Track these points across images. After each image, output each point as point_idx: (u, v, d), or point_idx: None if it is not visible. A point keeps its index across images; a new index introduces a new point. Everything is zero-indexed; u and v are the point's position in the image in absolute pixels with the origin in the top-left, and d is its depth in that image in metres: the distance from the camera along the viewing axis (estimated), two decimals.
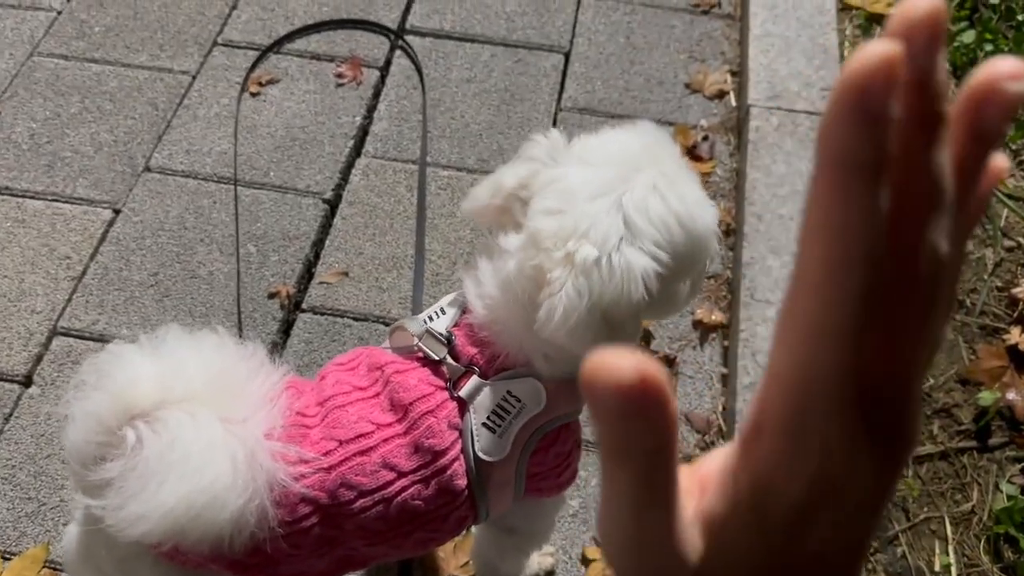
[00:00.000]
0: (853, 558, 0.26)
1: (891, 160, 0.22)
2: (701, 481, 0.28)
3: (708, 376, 1.76)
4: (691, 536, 0.26)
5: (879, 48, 0.21)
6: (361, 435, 0.94)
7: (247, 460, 0.83)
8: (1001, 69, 0.24)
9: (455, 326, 1.00)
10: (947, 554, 1.55)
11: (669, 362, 1.75)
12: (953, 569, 1.53)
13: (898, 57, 0.21)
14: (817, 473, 0.24)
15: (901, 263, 0.24)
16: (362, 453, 0.94)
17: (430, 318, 1.02)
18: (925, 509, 1.60)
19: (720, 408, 1.72)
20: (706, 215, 0.93)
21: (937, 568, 1.53)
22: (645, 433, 0.23)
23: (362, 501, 0.93)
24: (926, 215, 0.24)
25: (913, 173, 0.23)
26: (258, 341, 0.92)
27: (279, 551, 0.90)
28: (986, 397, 1.69)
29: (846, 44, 2.30)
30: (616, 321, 0.89)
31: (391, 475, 0.95)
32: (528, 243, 0.90)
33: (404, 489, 0.95)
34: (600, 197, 0.89)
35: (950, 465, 1.66)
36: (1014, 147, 2.12)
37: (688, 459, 1.65)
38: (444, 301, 1.04)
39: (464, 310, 1.00)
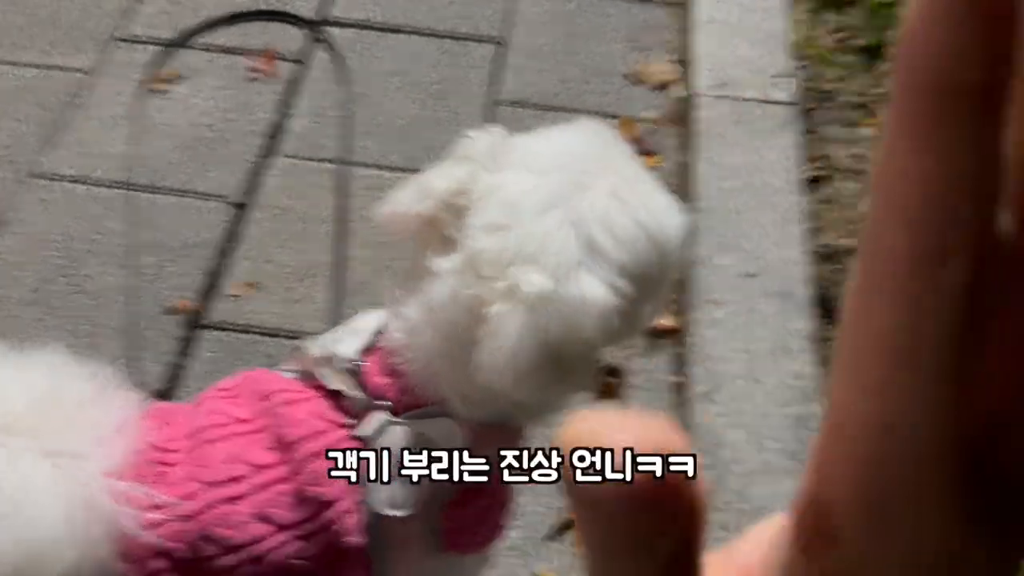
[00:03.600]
0: None
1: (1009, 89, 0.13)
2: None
3: (659, 386, 1.63)
4: None
5: None
6: (232, 478, 0.83)
7: (83, 505, 0.73)
8: None
9: (368, 351, 0.88)
10: None
11: (616, 373, 1.61)
12: None
13: None
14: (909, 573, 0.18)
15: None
16: (230, 500, 0.82)
17: (340, 340, 0.90)
18: None
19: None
20: (674, 222, 0.84)
21: None
22: (660, 527, 0.17)
23: (228, 558, 0.81)
24: None
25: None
26: (140, 361, 0.80)
27: None
28: None
29: (790, 30, 2.20)
30: (568, 362, 0.79)
31: (265, 528, 0.83)
32: (465, 266, 0.79)
33: (281, 545, 0.83)
34: (550, 210, 0.78)
35: None
36: None
37: None
38: (363, 320, 0.93)
39: (382, 332, 0.89)
